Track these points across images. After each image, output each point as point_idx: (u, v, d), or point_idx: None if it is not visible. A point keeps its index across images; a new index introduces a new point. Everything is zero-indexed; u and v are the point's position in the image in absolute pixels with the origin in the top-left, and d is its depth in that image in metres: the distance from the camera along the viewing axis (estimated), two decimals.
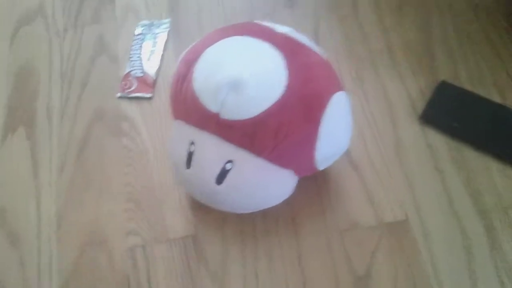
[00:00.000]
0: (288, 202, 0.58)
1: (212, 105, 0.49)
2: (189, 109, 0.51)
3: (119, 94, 0.71)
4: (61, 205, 0.62)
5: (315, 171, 0.56)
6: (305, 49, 0.53)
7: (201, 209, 0.58)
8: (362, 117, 0.66)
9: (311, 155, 0.52)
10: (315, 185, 0.61)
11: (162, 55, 0.74)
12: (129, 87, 0.71)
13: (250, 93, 0.48)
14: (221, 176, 0.51)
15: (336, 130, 0.53)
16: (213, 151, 0.51)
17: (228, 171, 0.51)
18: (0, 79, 0.74)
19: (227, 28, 0.55)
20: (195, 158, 0.52)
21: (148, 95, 0.70)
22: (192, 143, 0.52)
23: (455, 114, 0.65)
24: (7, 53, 0.77)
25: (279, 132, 0.49)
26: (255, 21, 0.56)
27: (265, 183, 0.52)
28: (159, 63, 0.73)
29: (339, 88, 0.53)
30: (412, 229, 0.58)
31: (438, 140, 0.64)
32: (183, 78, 0.52)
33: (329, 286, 0.55)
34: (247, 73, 0.48)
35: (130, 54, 0.74)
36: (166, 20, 0.77)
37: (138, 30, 0.76)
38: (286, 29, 0.55)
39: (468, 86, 0.67)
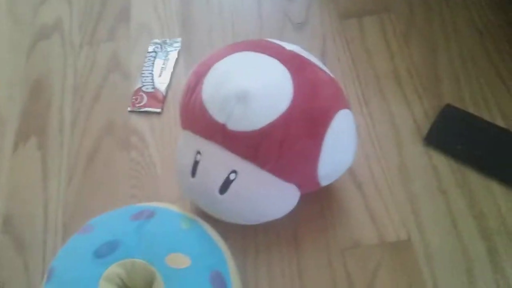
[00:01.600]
0: (290, 217, 0.58)
1: (219, 116, 0.51)
2: (197, 119, 0.53)
3: (129, 109, 0.73)
4: (68, 214, 0.63)
5: (318, 187, 0.57)
6: (312, 66, 0.54)
7: (205, 221, 0.58)
8: (367, 138, 0.67)
9: (314, 170, 0.53)
10: (318, 202, 0.62)
11: (173, 72, 0.76)
12: (140, 102, 0.73)
13: (256, 105, 0.50)
14: (225, 186, 0.52)
15: (339, 147, 0.54)
16: (218, 161, 0.52)
17: (232, 181, 0.52)
18: (16, 90, 0.77)
19: (237, 44, 0.57)
20: (200, 167, 0.53)
21: (158, 110, 0.72)
22: (199, 152, 0.53)
23: (459, 136, 0.65)
24: (24, 66, 0.79)
25: (283, 145, 0.50)
26: (265, 39, 0.58)
27: (267, 195, 0.53)
28: (169, 79, 0.75)
29: (344, 105, 0.54)
30: (414, 249, 0.58)
31: (442, 162, 0.64)
32: (193, 90, 0.54)
33: None
34: (254, 86, 0.50)
35: (142, 70, 0.76)
36: (178, 39, 0.80)
37: (150, 48, 0.79)
38: (294, 47, 0.56)
39: (472, 110, 0.68)
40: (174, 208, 0.56)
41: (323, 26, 0.80)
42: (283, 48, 0.56)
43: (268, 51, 0.54)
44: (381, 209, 0.61)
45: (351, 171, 0.63)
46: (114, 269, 0.50)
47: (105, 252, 0.50)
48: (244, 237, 0.60)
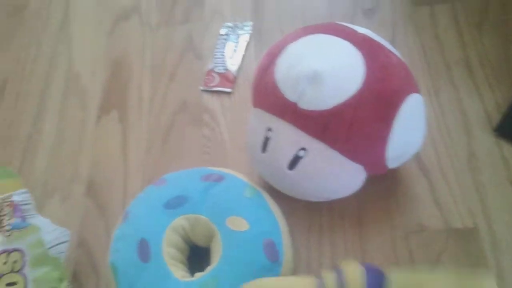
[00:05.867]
0: (355, 198, 0.59)
1: (291, 95, 0.53)
2: (269, 98, 0.55)
3: (202, 88, 0.76)
4: (145, 182, 0.68)
5: (385, 170, 0.57)
6: (384, 50, 0.55)
7: (271, 197, 0.61)
8: (436, 126, 0.67)
9: (382, 152, 0.54)
10: (383, 185, 0.62)
11: (244, 55, 0.79)
12: (212, 82, 0.76)
13: (328, 85, 0.51)
14: (294, 162, 0.54)
15: (409, 130, 0.54)
16: (288, 138, 0.54)
17: (300, 158, 0.54)
18: (99, 67, 0.82)
19: (310, 27, 0.58)
20: (271, 143, 0.55)
21: (229, 90, 0.75)
22: (270, 129, 0.56)
23: None
24: (106, 45, 0.85)
25: (353, 125, 0.51)
26: (337, 22, 0.59)
27: (334, 174, 0.55)
28: (240, 61, 0.78)
29: (415, 90, 0.55)
30: (480, 237, 0.58)
31: None
32: (266, 69, 0.56)
33: None
34: (326, 67, 0.52)
35: (215, 52, 0.79)
36: (249, 23, 0.82)
37: (223, 31, 0.82)
38: (365, 31, 0.57)
39: None
40: (241, 177, 0.59)
41: (393, 13, 0.79)
42: (355, 31, 0.57)
43: (341, 33, 0.56)
44: (447, 196, 0.61)
45: (418, 158, 0.64)
46: (180, 221, 0.55)
47: (174, 204, 0.55)
48: (309, 214, 0.62)
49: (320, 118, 0.52)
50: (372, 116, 0.51)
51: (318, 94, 0.52)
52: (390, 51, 0.55)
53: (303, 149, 0.54)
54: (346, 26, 0.58)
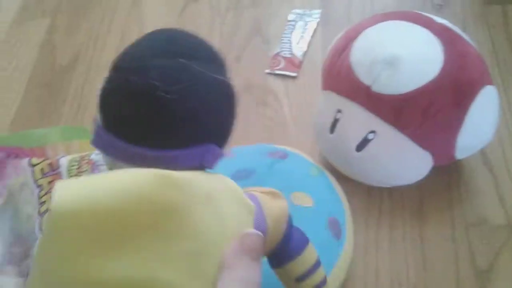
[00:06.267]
0: (416, 186, 0.60)
1: (365, 78, 0.54)
2: (342, 80, 0.56)
3: (267, 70, 0.78)
4: None
5: (452, 160, 0.58)
6: (462, 40, 0.55)
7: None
8: (504, 124, 0.66)
9: (453, 140, 0.54)
10: (446, 177, 0.62)
11: (310, 41, 0.80)
12: (277, 65, 0.78)
13: (405, 70, 0.52)
14: (362, 144, 0.55)
15: (482, 121, 0.54)
16: (358, 120, 0.55)
17: (369, 140, 0.55)
18: None
19: (388, 13, 0.59)
20: (339, 124, 0.56)
21: (294, 74, 0.77)
22: (339, 111, 0.57)
23: None
24: (175, 25, 0.87)
25: (428, 111, 0.52)
26: (415, 11, 0.60)
27: (401, 159, 0.55)
28: (306, 47, 0.79)
29: (490, 82, 0.55)
30: None
31: None
32: (341, 52, 0.57)
33: (449, 272, 0.56)
34: (405, 52, 0.52)
35: (282, 37, 0.81)
36: (317, 11, 0.83)
37: (291, 17, 0.83)
38: (444, 21, 0.57)
39: None
40: (306, 156, 0.60)
41: (463, 9, 0.79)
42: (434, 20, 0.57)
43: (419, 21, 0.56)
44: (511, 192, 0.60)
45: (482, 152, 0.63)
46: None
47: (241, 176, 0.56)
48: (369, 198, 0.62)
49: (394, 102, 0.53)
50: (448, 104, 0.52)
51: (394, 79, 0.52)
52: (468, 42, 0.56)
53: (373, 132, 0.55)
54: (424, 15, 0.58)
